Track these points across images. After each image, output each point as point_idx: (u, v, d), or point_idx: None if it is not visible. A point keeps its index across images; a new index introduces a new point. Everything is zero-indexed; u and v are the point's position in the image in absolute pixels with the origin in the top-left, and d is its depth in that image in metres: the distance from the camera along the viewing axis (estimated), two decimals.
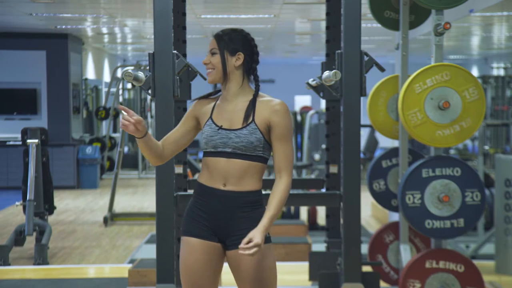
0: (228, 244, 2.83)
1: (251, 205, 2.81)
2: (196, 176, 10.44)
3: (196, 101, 2.93)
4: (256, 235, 2.70)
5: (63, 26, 11.56)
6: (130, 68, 9.29)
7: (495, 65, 16.08)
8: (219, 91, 2.93)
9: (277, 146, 2.82)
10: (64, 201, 11.11)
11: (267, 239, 2.80)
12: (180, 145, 2.92)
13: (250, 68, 2.85)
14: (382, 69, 3.97)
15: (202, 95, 2.96)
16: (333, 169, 5.08)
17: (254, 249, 2.67)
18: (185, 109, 4.80)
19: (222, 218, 2.81)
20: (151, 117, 15.38)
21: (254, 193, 2.82)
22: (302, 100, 21.33)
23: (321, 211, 8.60)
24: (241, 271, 2.80)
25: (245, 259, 2.78)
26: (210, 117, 2.85)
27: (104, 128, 15.06)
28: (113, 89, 13.96)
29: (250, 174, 2.80)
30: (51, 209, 6.99)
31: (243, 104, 2.83)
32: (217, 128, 2.81)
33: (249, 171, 2.80)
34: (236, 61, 2.82)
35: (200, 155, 17.58)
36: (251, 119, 2.80)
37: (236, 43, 2.83)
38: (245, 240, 2.69)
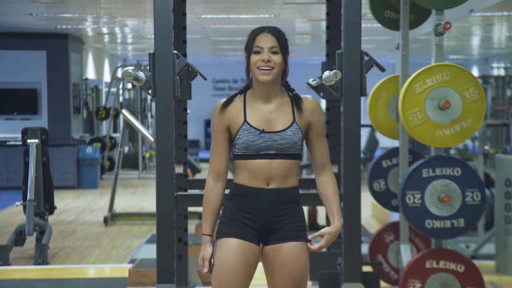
0: (269, 240, 2.81)
1: (293, 201, 2.82)
2: (195, 176, 10.44)
3: (220, 110, 2.81)
4: (330, 232, 2.80)
5: (63, 26, 11.56)
6: (130, 68, 9.30)
7: (495, 65, 16.05)
8: (237, 94, 2.85)
9: (317, 143, 2.85)
10: (64, 201, 11.11)
11: (307, 239, 2.83)
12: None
13: (286, 68, 2.83)
14: (382, 69, 3.97)
15: (222, 104, 2.83)
16: (333, 169, 5.08)
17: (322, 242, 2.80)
18: (185, 109, 4.81)
19: (267, 216, 2.80)
20: (151, 117, 15.38)
21: (295, 188, 2.83)
22: None
23: (321, 211, 8.60)
24: (278, 266, 2.79)
25: (283, 254, 2.78)
26: (245, 121, 2.79)
27: (104, 128, 15.06)
28: (113, 89, 13.97)
29: (292, 172, 2.81)
30: (51, 209, 6.99)
31: (281, 103, 2.81)
32: (259, 132, 2.76)
33: (291, 169, 2.81)
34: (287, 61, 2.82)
35: (201, 155, 17.57)
36: (292, 119, 2.80)
37: (287, 43, 2.81)
38: (316, 234, 2.81)
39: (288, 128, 2.78)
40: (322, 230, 2.80)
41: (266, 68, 2.75)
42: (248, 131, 2.77)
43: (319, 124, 2.85)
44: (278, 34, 2.78)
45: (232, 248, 2.77)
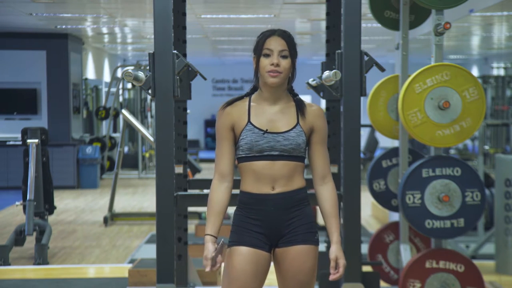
0: (279, 243, 2.81)
1: (300, 203, 2.81)
2: (195, 176, 10.44)
3: (224, 111, 2.82)
4: (339, 255, 2.78)
5: (63, 26, 11.56)
6: (130, 68, 9.30)
7: (495, 65, 16.06)
8: (243, 96, 2.86)
9: (318, 150, 2.83)
10: (64, 201, 11.11)
11: (316, 242, 2.82)
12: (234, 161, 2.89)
13: (294, 72, 2.83)
14: (382, 69, 3.97)
15: (227, 104, 2.84)
16: (333, 169, 5.07)
17: (343, 269, 2.78)
18: (185, 109, 4.81)
19: (275, 221, 2.79)
20: (151, 117, 15.38)
21: (301, 190, 2.81)
22: None
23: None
24: (283, 269, 2.80)
25: (289, 258, 2.78)
26: (249, 121, 2.79)
27: (104, 128, 15.05)
28: (113, 89, 13.96)
29: (296, 174, 2.80)
30: (51, 209, 7.00)
31: (285, 106, 2.81)
32: (262, 132, 2.76)
33: (296, 171, 2.79)
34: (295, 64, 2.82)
35: (201, 155, 17.57)
36: (296, 122, 2.79)
37: (296, 47, 2.81)
38: (332, 264, 2.77)
39: (291, 129, 2.78)
40: (332, 256, 2.78)
41: (275, 71, 2.75)
42: (252, 131, 2.77)
43: (322, 132, 2.83)
44: (288, 38, 2.79)
45: (241, 256, 2.77)
